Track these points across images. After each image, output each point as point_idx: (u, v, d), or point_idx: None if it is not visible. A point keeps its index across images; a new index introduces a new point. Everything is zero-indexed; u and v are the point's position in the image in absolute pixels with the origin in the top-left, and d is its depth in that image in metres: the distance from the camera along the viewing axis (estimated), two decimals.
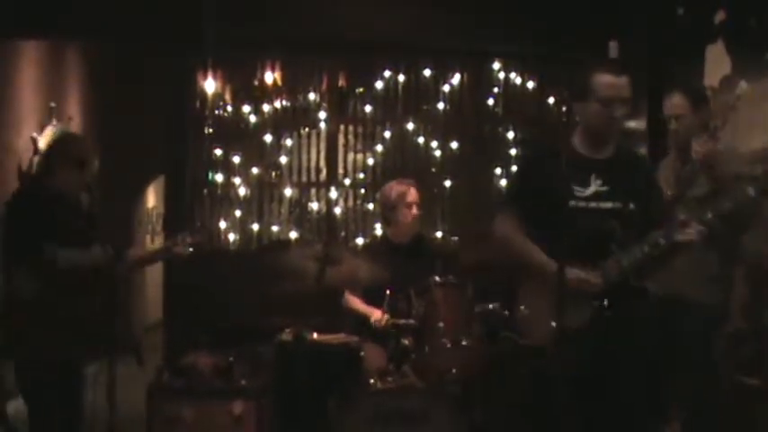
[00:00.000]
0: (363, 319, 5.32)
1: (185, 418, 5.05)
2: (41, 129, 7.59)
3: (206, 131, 7.02)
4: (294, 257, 4.92)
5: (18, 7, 6.23)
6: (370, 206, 7.11)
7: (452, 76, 7.21)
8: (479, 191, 7.16)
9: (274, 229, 7.08)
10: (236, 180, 7.06)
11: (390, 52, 7.11)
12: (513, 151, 7.18)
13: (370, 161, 7.21)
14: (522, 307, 3.90)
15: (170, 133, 7.03)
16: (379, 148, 7.20)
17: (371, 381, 4.85)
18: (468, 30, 6.79)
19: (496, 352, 5.13)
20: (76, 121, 8.62)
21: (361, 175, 7.21)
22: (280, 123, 7.12)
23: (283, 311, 5.51)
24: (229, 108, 7.07)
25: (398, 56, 7.13)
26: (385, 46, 7.00)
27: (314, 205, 7.17)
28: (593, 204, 3.75)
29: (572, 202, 3.67)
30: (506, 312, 4.96)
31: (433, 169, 7.20)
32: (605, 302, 3.68)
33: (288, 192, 7.12)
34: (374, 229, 6.99)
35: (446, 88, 7.21)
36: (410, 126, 7.19)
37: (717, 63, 5.65)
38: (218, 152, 7.04)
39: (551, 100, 7.21)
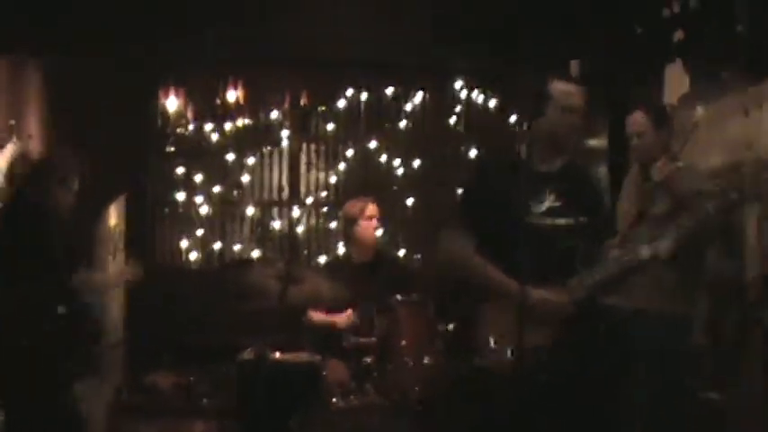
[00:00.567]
0: (329, 331, 5.30)
1: None
2: (0, 147, 7.51)
3: (168, 150, 6.99)
4: (256, 276, 4.89)
5: None
6: (333, 225, 7.12)
7: (415, 95, 7.24)
8: (442, 209, 7.12)
9: (236, 247, 7.07)
10: (198, 199, 7.03)
11: (353, 70, 7.12)
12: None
13: (333, 180, 7.22)
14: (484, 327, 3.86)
15: (132, 151, 6.98)
16: (342, 166, 7.21)
17: (334, 399, 4.83)
18: (428, 46, 6.83)
19: (459, 370, 5.12)
20: (36, 140, 8.52)
21: (324, 194, 7.22)
22: (242, 142, 7.12)
23: (245, 330, 5.46)
24: (191, 126, 7.06)
25: (361, 74, 7.15)
26: (347, 64, 7.02)
27: (276, 224, 7.16)
28: (548, 221, 3.68)
29: (527, 219, 3.52)
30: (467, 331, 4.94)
31: (396, 187, 7.21)
32: (568, 322, 3.63)
33: (250, 210, 7.11)
34: (337, 248, 6.98)
35: (408, 107, 7.24)
36: (372, 144, 7.20)
37: (676, 82, 5.71)
38: (180, 170, 7.01)
39: (513, 118, 7.23)
